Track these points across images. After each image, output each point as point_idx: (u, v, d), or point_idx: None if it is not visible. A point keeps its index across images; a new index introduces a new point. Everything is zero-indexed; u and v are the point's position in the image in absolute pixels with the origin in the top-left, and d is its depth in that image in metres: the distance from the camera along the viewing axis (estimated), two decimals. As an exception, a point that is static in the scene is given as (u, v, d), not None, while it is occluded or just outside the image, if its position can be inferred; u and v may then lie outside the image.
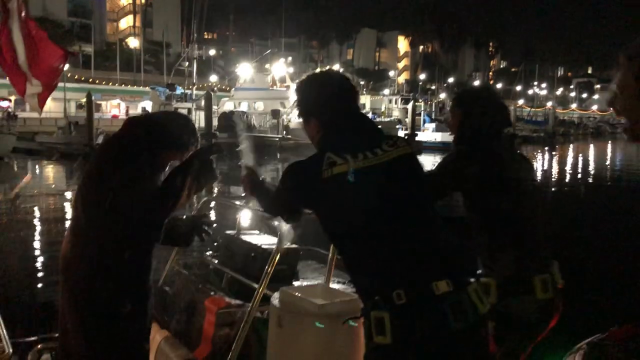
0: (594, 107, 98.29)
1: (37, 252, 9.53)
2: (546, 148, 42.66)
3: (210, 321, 2.64)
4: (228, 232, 3.29)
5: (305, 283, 2.83)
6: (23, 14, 2.60)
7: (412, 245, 1.74)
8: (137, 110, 46.57)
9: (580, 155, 41.90)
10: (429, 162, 31.29)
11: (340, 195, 1.77)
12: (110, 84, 52.00)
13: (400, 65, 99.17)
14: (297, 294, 2.25)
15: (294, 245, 2.98)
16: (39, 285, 7.42)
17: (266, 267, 2.40)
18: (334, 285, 2.56)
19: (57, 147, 27.55)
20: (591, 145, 52.99)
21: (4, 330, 2.63)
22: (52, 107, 42.79)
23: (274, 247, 2.83)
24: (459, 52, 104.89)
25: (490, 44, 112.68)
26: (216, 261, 3.23)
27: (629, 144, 55.74)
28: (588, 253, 9.03)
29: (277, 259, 2.40)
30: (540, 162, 34.86)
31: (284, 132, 34.34)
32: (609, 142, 59.50)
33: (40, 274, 7.94)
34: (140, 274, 2.29)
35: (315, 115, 1.97)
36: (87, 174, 2.28)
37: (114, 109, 50.16)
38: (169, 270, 2.97)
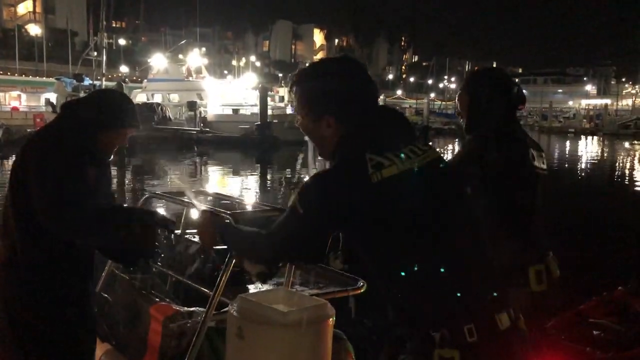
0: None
1: None
2: (456, 141, 44.48)
3: (156, 331, 2.42)
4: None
5: (259, 286, 2.66)
6: None
7: (471, 263, 1.53)
8: (40, 102, 43.83)
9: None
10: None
11: (395, 202, 1.50)
12: (9, 74, 48.55)
13: (317, 57, 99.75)
14: (257, 300, 2.08)
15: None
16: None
17: (222, 271, 2.22)
18: (293, 288, 2.43)
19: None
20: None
21: None
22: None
23: (225, 247, 2.65)
24: (373, 46, 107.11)
25: (403, 38, 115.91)
26: (160, 263, 2.99)
27: (531, 136, 59.22)
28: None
29: (233, 261, 2.22)
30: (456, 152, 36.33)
31: (202, 124, 33.55)
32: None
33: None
34: (59, 280, 2.07)
35: (333, 112, 1.63)
36: (13, 170, 2.06)
37: (14, 100, 46.92)
38: (107, 275, 2.71)
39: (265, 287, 2.55)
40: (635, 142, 46.06)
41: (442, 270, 1.46)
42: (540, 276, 2.11)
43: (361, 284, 2.65)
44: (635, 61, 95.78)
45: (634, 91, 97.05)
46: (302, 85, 1.68)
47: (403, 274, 1.49)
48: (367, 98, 1.66)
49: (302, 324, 1.95)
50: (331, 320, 2.04)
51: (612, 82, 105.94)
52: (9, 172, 2.16)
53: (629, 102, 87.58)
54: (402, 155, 1.54)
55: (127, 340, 2.49)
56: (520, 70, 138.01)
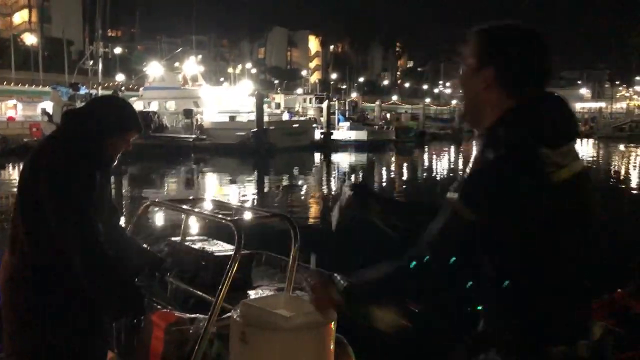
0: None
1: None
2: (452, 146, 44.58)
3: (158, 337, 2.43)
4: (173, 238, 3.06)
5: (261, 291, 2.68)
6: None
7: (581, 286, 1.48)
8: (36, 111, 43.75)
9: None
10: (344, 160, 31.86)
11: (566, 206, 1.38)
12: (5, 83, 48.49)
13: (312, 64, 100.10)
14: (260, 306, 2.09)
15: (246, 251, 2.82)
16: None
17: (224, 276, 2.23)
18: (294, 293, 2.44)
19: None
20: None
21: None
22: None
23: (226, 254, 2.66)
24: (368, 52, 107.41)
25: (397, 44, 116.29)
26: (158, 273, 3.00)
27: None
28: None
29: (235, 267, 2.23)
30: (451, 157, 36.43)
31: (198, 131, 33.54)
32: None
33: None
34: (69, 288, 2.09)
35: (497, 67, 1.44)
36: (22, 183, 2.10)
37: (10, 110, 46.79)
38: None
39: (265, 293, 2.56)
40: (630, 144, 46.25)
41: (573, 281, 1.44)
42: None
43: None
44: (629, 64, 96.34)
45: (627, 94, 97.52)
46: (478, 33, 1.52)
47: (545, 280, 1.40)
48: (544, 72, 1.48)
49: (304, 329, 1.97)
50: (333, 325, 2.05)
51: (607, 86, 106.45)
52: (13, 183, 2.18)
53: (623, 105, 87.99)
54: (569, 156, 1.40)
55: (130, 347, 2.50)
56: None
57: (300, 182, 21.79)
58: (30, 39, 60.89)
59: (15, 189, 2.19)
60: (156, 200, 2.90)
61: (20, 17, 68.06)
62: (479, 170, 1.41)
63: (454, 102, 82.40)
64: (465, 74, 1.53)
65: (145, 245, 2.45)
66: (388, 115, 64.33)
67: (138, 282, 2.55)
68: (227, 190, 18.18)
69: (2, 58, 52.57)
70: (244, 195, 16.94)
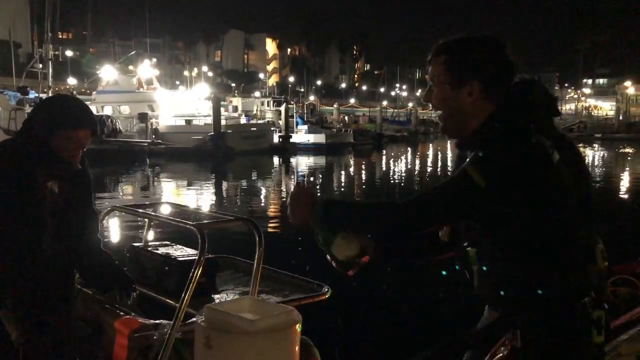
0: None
1: None
2: (409, 148, 45.24)
3: (122, 345, 2.40)
4: (135, 244, 3.01)
5: (225, 296, 2.67)
6: None
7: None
8: (-18, 116, 42.11)
9: (449, 150, 44.99)
10: (303, 163, 31.91)
11: (566, 183, 1.62)
12: (-51, 87, 46.52)
13: (270, 67, 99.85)
14: (225, 310, 2.09)
15: (210, 255, 2.81)
16: None
17: (188, 281, 2.22)
18: (259, 297, 2.45)
19: None
20: (448, 142, 57.11)
21: None
22: None
23: (190, 258, 2.65)
24: (325, 55, 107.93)
25: (355, 47, 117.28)
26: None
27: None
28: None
29: (199, 271, 2.23)
30: (409, 159, 36.96)
31: (153, 136, 32.98)
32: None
33: None
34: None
35: (480, 79, 1.59)
36: None
37: (-46, 114, 44.89)
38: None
39: (230, 297, 2.56)
40: (580, 144, 48.00)
41: (586, 246, 1.68)
42: (604, 254, 2.14)
43: (326, 289, 2.70)
44: (577, 67, 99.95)
45: (575, 96, 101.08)
46: (447, 51, 1.62)
47: (560, 251, 1.59)
48: (512, 72, 1.65)
49: (269, 332, 1.99)
50: (298, 327, 2.07)
51: (556, 88, 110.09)
52: None
53: (572, 106, 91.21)
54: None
55: (92, 355, 2.46)
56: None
57: (259, 186, 21.71)
58: (-26, 41, 58.60)
59: None
60: (117, 205, 2.85)
61: (-37, 18, 65.42)
62: (499, 151, 1.54)
63: (410, 104, 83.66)
64: (442, 92, 1.63)
65: (116, 262, 2.41)
66: (346, 118, 64.81)
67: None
68: (185, 195, 17.94)
69: (-56, 60, 50.37)
70: (202, 200, 16.76)
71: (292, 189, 1.72)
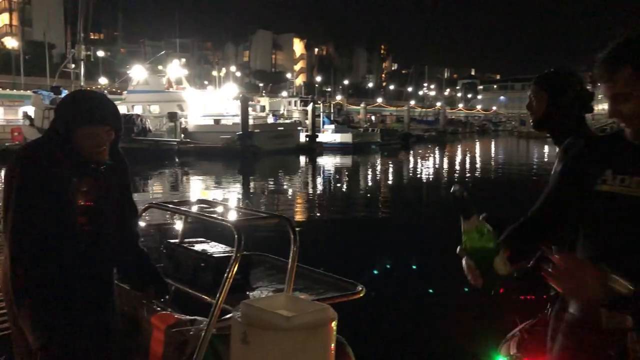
0: (478, 107, 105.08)
1: None
2: (437, 148, 44.83)
3: (158, 340, 2.43)
4: (171, 241, 3.05)
5: (260, 292, 2.69)
6: None
7: None
8: (18, 115, 43.19)
9: (478, 150, 44.50)
10: (330, 162, 31.90)
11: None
12: (-14, 87, 47.88)
13: (297, 67, 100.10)
14: (261, 306, 2.11)
15: (244, 252, 2.83)
16: None
17: (224, 277, 2.24)
18: (293, 294, 2.46)
19: None
20: (477, 143, 56.42)
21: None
22: None
23: (225, 255, 2.67)
24: (353, 55, 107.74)
25: (382, 47, 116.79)
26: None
27: (510, 141, 60.26)
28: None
29: (235, 268, 2.24)
30: (436, 159, 36.62)
31: (182, 135, 33.38)
32: (493, 139, 63.75)
33: None
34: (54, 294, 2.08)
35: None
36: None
37: (-9, 114, 46.23)
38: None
39: (264, 294, 2.58)
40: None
41: None
42: None
43: (360, 288, 2.70)
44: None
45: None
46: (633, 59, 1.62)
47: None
48: None
49: (305, 328, 1.99)
50: (334, 324, 2.07)
51: (588, 87, 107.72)
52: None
53: (605, 106, 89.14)
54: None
55: (129, 350, 2.50)
56: (498, 77, 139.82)
57: (286, 185, 21.79)
58: (11, 43, 60.16)
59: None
60: (154, 202, 2.89)
61: (0, 20, 67.24)
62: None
63: (438, 104, 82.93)
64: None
65: (152, 262, 2.40)
66: (373, 118, 64.58)
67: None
68: (214, 194, 18.11)
69: (-18, 62, 51.85)
70: (232, 199, 16.89)
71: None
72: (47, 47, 54.70)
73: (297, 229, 2.49)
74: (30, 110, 36.45)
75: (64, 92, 36.72)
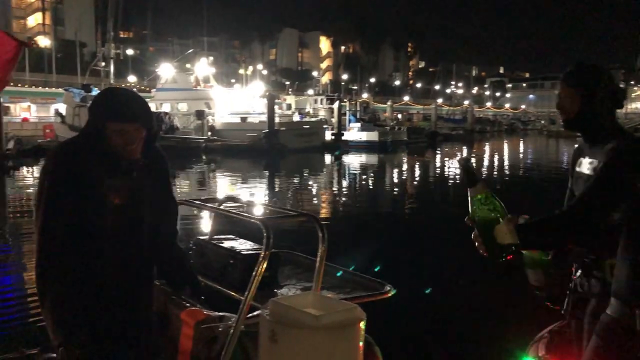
0: (507, 105, 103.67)
1: None
2: (464, 147, 44.35)
3: (187, 335, 2.45)
4: (201, 237, 3.08)
5: (288, 290, 2.69)
6: None
7: None
8: (49, 113, 44.19)
9: (506, 150, 43.91)
10: (356, 160, 31.85)
11: None
12: (19, 85, 49.00)
13: (323, 65, 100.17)
14: (289, 304, 2.10)
15: (273, 250, 2.83)
16: None
17: (253, 274, 2.25)
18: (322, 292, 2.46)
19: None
20: (505, 142, 55.65)
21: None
22: (-46, 110, 39.78)
23: (254, 252, 2.68)
24: (379, 53, 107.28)
25: (409, 44, 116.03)
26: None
27: (539, 141, 59.27)
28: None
29: (264, 265, 2.25)
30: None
31: (209, 133, 33.70)
32: (521, 139, 62.82)
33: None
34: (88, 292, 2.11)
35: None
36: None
37: (24, 112, 47.39)
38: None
39: (292, 292, 2.58)
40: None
41: None
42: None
43: (388, 288, 2.68)
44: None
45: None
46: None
47: None
48: None
49: (334, 328, 1.98)
50: (362, 324, 2.06)
51: (621, 85, 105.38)
52: (28, 183, 2.24)
53: (638, 105, 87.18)
54: None
55: (158, 344, 2.53)
56: (527, 75, 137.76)
57: (311, 183, 21.83)
58: (43, 42, 61.51)
59: (31, 191, 2.24)
60: (185, 199, 2.91)
61: (34, 19, 68.81)
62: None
63: (466, 102, 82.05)
64: None
65: (189, 261, 2.40)
66: (399, 116, 64.23)
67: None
68: (241, 191, 18.24)
69: (16, 60, 52.94)
70: (258, 196, 16.99)
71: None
72: (78, 45, 55.79)
73: (324, 227, 2.49)
74: (62, 108, 37.24)
75: (94, 90, 37.41)
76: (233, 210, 2.70)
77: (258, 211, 2.90)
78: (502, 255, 1.70)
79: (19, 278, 7.82)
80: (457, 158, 1.60)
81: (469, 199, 1.68)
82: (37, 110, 47.82)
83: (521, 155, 39.94)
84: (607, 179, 1.83)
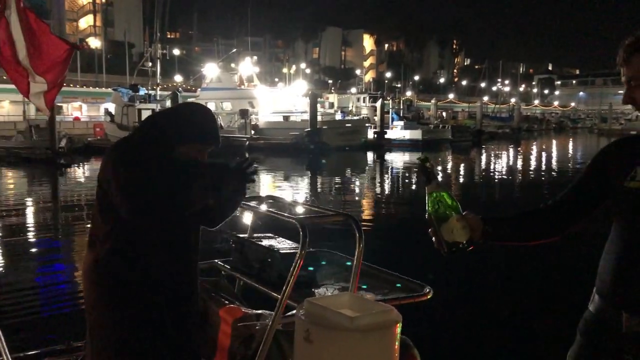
0: (556, 103, 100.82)
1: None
2: (510, 146, 43.36)
3: (226, 332, 2.49)
4: (240, 235, 3.12)
5: (326, 290, 2.69)
6: (22, 3, 2.36)
7: None
8: (99, 112, 45.59)
9: (554, 149, 42.77)
10: (398, 159, 31.58)
11: None
12: (71, 85, 50.71)
13: (366, 63, 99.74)
14: (324, 305, 2.10)
15: (311, 249, 2.84)
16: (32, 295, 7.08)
17: (289, 273, 2.26)
18: (358, 294, 2.44)
19: (18, 151, 26.61)
20: (554, 141, 54.16)
21: (4, 344, 2.42)
22: (10, 110, 41.57)
23: (291, 251, 2.69)
24: (424, 50, 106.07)
25: (454, 41, 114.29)
26: (228, 267, 3.06)
27: (590, 139, 57.41)
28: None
29: (300, 264, 2.25)
30: (510, 157, 35.48)
31: (252, 131, 34.06)
32: (571, 137, 61.00)
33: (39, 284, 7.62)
34: (152, 286, 2.12)
35: None
36: (98, 177, 2.16)
37: (76, 111, 49.06)
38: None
39: (330, 292, 2.57)
40: None
41: None
42: None
43: (427, 290, 2.64)
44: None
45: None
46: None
47: None
48: None
49: (369, 330, 1.96)
50: (398, 327, 2.04)
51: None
52: (79, 181, 2.25)
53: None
54: None
55: (198, 341, 2.57)
56: (577, 72, 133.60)
57: (353, 182, 21.78)
58: (94, 43, 63.47)
59: (81, 188, 2.25)
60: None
61: (85, 22, 71.04)
62: None
63: (512, 100, 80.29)
64: None
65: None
66: (444, 114, 63.36)
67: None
68: (283, 189, 18.38)
69: (69, 61, 54.77)
70: (300, 195, 17.08)
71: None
72: (127, 46, 57.32)
73: (363, 227, 2.47)
74: (111, 107, 38.35)
75: (142, 90, 38.39)
76: (270, 209, 2.72)
77: (295, 210, 2.90)
78: (452, 250, 1.77)
79: (70, 272, 8.09)
80: (417, 156, 1.61)
81: (426, 196, 1.77)
82: (88, 110, 49.40)
83: (570, 155, 38.75)
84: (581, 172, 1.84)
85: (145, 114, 25.87)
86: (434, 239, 1.80)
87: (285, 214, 2.46)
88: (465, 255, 1.84)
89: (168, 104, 34.06)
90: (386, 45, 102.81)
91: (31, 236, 10.94)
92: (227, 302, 2.60)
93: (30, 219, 13.33)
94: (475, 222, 1.79)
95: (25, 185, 20.52)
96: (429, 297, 2.61)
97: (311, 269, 2.72)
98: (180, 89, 43.73)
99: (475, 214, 1.82)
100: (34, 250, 9.79)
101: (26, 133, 28.44)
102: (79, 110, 49.12)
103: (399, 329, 2.04)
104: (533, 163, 31.76)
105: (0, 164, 25.03)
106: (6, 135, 31.05)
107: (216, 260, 3.15)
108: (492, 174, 26.03)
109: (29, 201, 16.12)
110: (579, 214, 1.79)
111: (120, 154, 2.12)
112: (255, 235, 3.05)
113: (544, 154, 37.70)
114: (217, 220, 2.29)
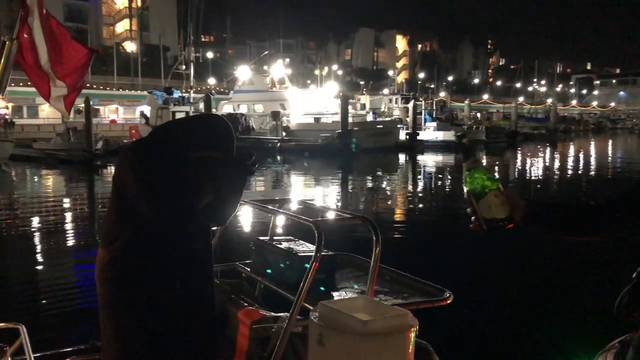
0: (594, 103, 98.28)
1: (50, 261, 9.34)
2: (547, 147, 42.45)
3: (244, 334, 2.50)
4: (260, 237, 3.14)
5: (344, 293, 2.68)
6: (44, 10, 2.43)
7: None
8: (135, 114, 46.54)
9: (593, 150, 41.73)
10: (431, 160, 31.27)
11: None
12: (108, 88, 51.91)
13: (399, 64, 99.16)
14: (338, 308, 2.08)
15: (330, 252, 2.82)
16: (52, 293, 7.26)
17: (305, 276, 2.25)
18: (376, 297, 2.42)
19: (56, 153, 27.36)
20: (592, 142, 52.82)
21: (28, 341, 2.48)
22: (49, 113, 42.78)
23: (309, 254, 2.69)
24: (458, 51, 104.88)
25: (489, 41, 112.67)
26: (248, 269, 3.08)
27: (630, 140, 55.77)
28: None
29: (315, 267, 2.24)
30: (546, 159, 34.74)
31: (284, 133, 34.23)
32: (610, 138, 59.38)
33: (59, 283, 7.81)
34: (164, 288, 2.15)
35: None
36: (113, 177, 2.20)
37: (112, 113, 50.16)
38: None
39: (348, 295, 2.56)
40: None
41: None
42: None
43: (447, 294, 2.60)
44: None
45: None
46: None
47: None
48: None
49: (381, 334, 1.94)
50: (413, 331, 2.01)
51: None
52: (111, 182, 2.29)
53: None
54: None
55: (218, 343, 2.59)
56: (617, 71, 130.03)
57: (384, 184, 21.66)
58: (130, 47, 64.83)
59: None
60: (246, 200, 2.96)
61: (122, 26, 72.65)
62: None
63: (549, 100, 78.61)
64: None
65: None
66: (478, 115, 62.47)
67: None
68: (311, 191, 18.40)
69: (106, 65, 56.30)
70: (328, 197, 17.08)
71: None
72: (162, 50, 58.38)
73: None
74: (146, 110, 39.10)
75: (176, 92, 39.01)
76: (290, 212, 2.73)
77: (313, 213, 2.90)
78: (490, 228, 1.69)
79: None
80: (456, 133, 1.64)
81: (464, 172, 1.73)
82: (124, 112, 50.42)
83: (610, 156, 37.71)
84: None
85: (179, 117, 26.36)
86: (472, 218, 1.71)
87: (302, 217, 2.45)
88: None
89: (201, 106, 34.59)
90: (419, 46, 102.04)
91: (69, 235, 11.25)
92: (246, 304, 2.61)
93: (68, 218, 13.69)
94: (514, 198, 1.70)
95: (63, 186, 21.09)
96: (449, 302, 2.57)
97: (330, 272, 2.71)
98: (213, 91, 44.27)
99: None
100: (70, 247, 10.07)
101: (64, 135, 29.23)
102: (115, 113, 50.19)
103: (413, 334, 2.01)
104: (570, 164, 31.04)
105: (40, 166, 25.77)
106: (45, 137, 31.98)
107: (237, 263, 3.17)
108: (526, 176, 25.53)
109: (67, 201, 16.56)
110: (634, 215, 1.67)
111: (137, 154, 2.16)
112: (275, 237, 3.06)
113: (581, 156, 36.79)
114: (225, 215, 2.28)
